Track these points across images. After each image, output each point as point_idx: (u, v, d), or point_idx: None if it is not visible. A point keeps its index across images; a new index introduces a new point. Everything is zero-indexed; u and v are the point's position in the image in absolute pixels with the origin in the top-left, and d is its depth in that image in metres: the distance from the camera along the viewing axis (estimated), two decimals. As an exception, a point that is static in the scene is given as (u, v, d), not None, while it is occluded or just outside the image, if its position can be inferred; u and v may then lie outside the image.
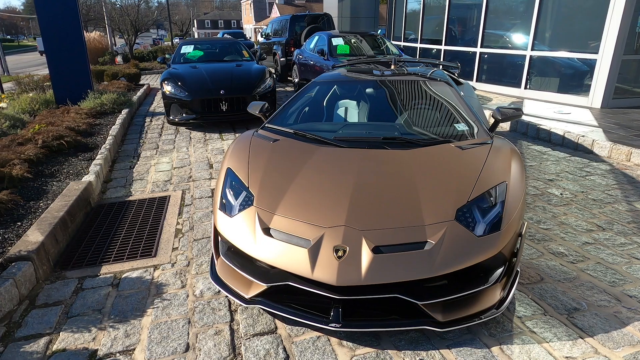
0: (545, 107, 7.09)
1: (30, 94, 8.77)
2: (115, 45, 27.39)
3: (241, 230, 2.23)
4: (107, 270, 2.81)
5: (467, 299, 2.08)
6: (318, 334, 2.13)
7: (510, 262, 2.23)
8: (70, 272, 2.80)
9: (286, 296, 2.12)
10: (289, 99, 3.51)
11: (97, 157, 4.68)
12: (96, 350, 2.07)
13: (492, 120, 3.15)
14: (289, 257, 2.03)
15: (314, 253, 2.01)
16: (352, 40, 8.84)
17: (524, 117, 6.31)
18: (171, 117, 6.49)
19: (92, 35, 20.01)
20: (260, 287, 2.13)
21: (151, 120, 7.24)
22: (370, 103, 3.48)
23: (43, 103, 7.48)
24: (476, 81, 9.03)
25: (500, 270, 2.16)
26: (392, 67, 5.39)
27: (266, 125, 3.15)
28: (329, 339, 2.09)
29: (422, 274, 1.92)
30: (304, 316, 2.01)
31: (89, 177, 4.02)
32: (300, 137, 2.90)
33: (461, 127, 2.94)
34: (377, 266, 1.94)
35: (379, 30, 17.95)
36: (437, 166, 2.48)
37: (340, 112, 3.49)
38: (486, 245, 2.04)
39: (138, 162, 5.05)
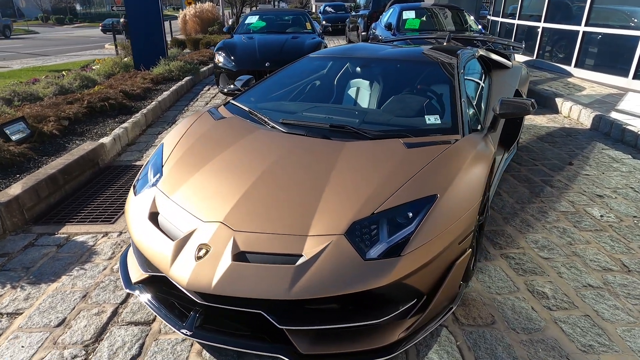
0: (652, 103, 5.65)
1: (127, 59, 9.69)
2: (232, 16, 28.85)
3: (136, 211, 2.09)
4: (66, 230, 2.92)
5: (351, 332, 1.70)
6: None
7: (428, 296, 1.77)
8: (36, 227, 2.97)
9: (167, 289, 1.96)
10: (272, 74, 3.23)
11: (127, 121, 4.94)
12: (-9, 308, 2.15)
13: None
14: (156, 248, 1.85)
15: (178, 248, 1.79)
16: (429, 15, 8.01)
17: (611, 115, 5.10)
18: (220, 87, 6.59)
19: (204, 6, 21.36)
20: (143, 274, 2.00)
21: (208, 89, 7.47)
22: (354, 85, 3.03)
23: (123, 67, 8.17)
24: (574, 66, 7.56)
25: (408, 304, 1.73)
26: (445, 44, 4.79)
27: (230, 101, 2.93)
28: (192, 345, 1.88)
29: (276, 294, 1.59)
30: (164, 315, 1.83)
31: (105, 139, 4.25)
32: (251, 117, 2.63)
33: (432, 120, 2.38)
34: (233, 275, 1.66)
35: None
36: (366, 165, 2.03)
37: (319, 92, 3.11)
38: (374, 272, 1.61)
39: (169, 129, 5.22)
